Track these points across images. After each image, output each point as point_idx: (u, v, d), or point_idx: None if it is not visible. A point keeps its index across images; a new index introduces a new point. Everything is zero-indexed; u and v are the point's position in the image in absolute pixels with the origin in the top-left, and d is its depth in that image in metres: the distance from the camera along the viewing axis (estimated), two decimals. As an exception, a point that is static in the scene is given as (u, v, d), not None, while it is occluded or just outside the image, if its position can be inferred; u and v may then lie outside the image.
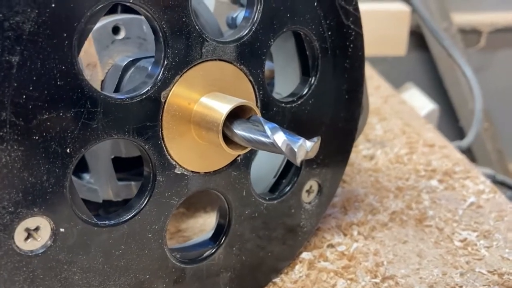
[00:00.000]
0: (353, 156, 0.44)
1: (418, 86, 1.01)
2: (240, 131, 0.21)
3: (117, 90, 0.25)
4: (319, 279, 0.29)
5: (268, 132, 0.19)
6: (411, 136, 0.48)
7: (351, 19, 0.27)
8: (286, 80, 0.28)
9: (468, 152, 1.17)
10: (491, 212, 0.36)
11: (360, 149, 0.45)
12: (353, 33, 0.28)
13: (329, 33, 0.26)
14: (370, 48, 0.75)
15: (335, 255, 0.31)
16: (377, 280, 0.29)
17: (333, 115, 0.28)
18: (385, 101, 0.56)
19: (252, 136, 0.20)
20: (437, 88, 1.05)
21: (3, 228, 0.18)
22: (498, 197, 0.38)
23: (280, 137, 0.19)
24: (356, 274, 0.29)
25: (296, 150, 0.18)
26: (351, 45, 0.28)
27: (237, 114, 0.21)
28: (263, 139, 0.20)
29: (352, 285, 0.28)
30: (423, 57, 1.02)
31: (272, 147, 0.19)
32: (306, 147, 0.19)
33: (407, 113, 0.54)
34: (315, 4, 0.25)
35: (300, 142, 0.19)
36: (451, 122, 1.10)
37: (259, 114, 0.21)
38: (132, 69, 0.25)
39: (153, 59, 0.25)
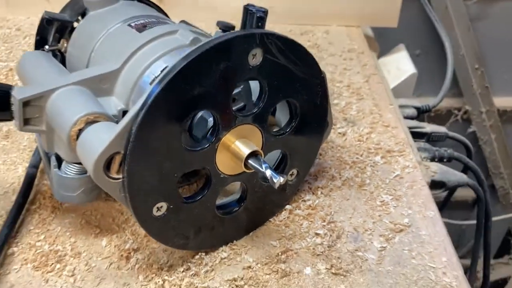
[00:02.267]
0: (331, 133, 0.65)
1: (416, 34, 1.18)
2: (252, 162, 0.43)
3: (189, 127, 0.47)
4: (294, 220, 0.53)
5: (264, 169, 0.42)
6: (375, 117, 0.69)
7: (319, 81, 0.48)
8: (282, 114, 0.50)
9: (456, 87, 1.36)
10: (406, 182, 0.59)
11: (337, 127, 0.67)
12: (320, 89, 0.49)
13: (305, 96, 0.47)
14: (363, 20, 0.92)
15: (305, 206, 0.55)
16: (325, 223, 0.53)
17: (308, 136, 0.50)
18: (367, 81, 0.76)
19: (257, 167, 0.43)
20: (432, 35, 1.21)
21: (149, 208, 0.42)
22: (416, 171, 0.60)
23: (268, 172, 0.42)
24: (314, 218, 0.53)
25: (275, 181, 0.41)
26: (319, 95, 0.49)
27: (253, 152, 0.44)
28: (262, 170, 0.42)
29: (311, 225, 0.52)
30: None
31: (265, 176, 0.42)
32: (281, 180, 0.41)
33: (379, 93, 0.74)
34: (297, 85, 0.46)
35: (278, 177, 0.41)
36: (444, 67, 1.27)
37: (262, 156, 0.44)
38: (198, 116, 0.46)
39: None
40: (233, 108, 0.43)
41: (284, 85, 0.45)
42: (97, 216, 0.53)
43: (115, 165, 0.39)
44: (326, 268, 0.48)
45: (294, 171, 0.52)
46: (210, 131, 0.43)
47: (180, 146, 0.41)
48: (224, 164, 0.45)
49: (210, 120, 0.45)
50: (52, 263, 0.48)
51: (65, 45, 0.57)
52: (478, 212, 0.84)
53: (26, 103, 0.43)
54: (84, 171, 0.46)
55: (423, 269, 0.48)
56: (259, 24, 0.47)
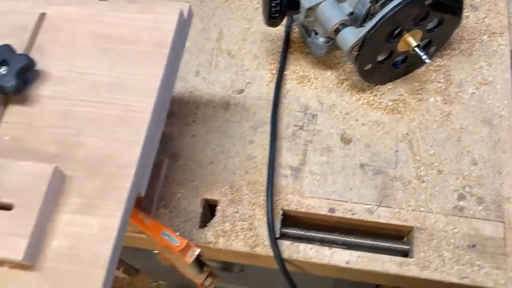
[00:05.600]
0: (459, 15, 1.05)
1: None
2: (416, 49, 0.89)
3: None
4: (428, 72, 0.99)
5: (421, 54, 0.88)
6: (491, 5, 1.05)
7: (459, 5, 0.89)
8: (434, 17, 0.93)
9: None
10: (498, 55, 1.00)
11: (465, 11, 1.06)
12: (459, 8, 0.90)
13: (450, 13, 0.89)
14: None
15: (435, 65, 1.00)
16: (445, 76, 0.98)
17: (446, 30, 0.93)
18: (493, -28, 1.10)
19: (418, 52, 0.89)
20: None
21: (363, 67, 0.91)
22: (506, 48, 1.01)
23: (424, 56, 0.88)
24: (439, 72, 0.99)
25: (426, 61, 0.87)
26: (458, 9, 0.90)
27: (417, 44, 0.89)
28: (420, 54, 0.88)
29: (437, 76, 0.99)
30: None
31: (421, 57, 0.88)
32: (428, 61, 0.87)
33: (499, -15, 1.08)
34: (446, 9, 0.87)
35: (428, 60, 0.87)
36: None
37: (420, 45, 0.89)
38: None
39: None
40: (411, 23, 0.87)
41: (439, 10, 0.87)
42: (326, 58, 1.03)
43: (354, 49, 0.87)
44: (441, 99, 0.97)
45: (434, 47, 0.97)
46: (397, 32, 0.89)
47: (384, 41, 0.88)
48: (401, 47, 0.91)
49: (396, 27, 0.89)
50: (305, 81, 1.01)
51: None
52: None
53: (308, 8, 0.90)
54: (328, 41, 0.95)
55: (492, 105, 0.95)
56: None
